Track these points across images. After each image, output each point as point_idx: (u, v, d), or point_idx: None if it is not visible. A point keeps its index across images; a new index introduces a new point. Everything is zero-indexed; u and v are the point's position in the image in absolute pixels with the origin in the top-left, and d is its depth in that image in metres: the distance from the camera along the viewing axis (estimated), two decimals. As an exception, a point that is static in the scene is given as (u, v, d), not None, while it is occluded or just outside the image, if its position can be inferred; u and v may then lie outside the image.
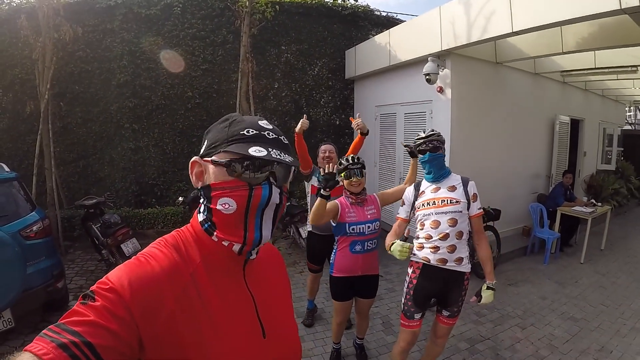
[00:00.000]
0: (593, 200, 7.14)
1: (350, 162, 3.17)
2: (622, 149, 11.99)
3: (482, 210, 2.89)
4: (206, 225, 0.97)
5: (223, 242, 0.95)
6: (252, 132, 0.94)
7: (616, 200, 9.31)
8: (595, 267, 6.20)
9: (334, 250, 3.31)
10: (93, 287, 0.81)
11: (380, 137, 7.89)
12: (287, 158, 0.93)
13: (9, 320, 3.58)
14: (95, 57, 7.60)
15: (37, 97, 6.51)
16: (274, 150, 0.91)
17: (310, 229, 4.15)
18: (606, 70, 6.75)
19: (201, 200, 0.99)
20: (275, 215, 0.99)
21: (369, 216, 3.16)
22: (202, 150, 0.99)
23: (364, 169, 3.22)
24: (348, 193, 3.22)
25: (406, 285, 2.98)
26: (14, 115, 7.46)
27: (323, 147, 4.15)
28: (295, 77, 8.81)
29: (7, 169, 4.51)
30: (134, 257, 0.92)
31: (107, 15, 7.61)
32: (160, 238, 0.99)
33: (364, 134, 3.92)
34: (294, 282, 5.51)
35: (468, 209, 2.81)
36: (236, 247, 0.95)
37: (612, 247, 7.21)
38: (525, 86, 7.23)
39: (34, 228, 4.00)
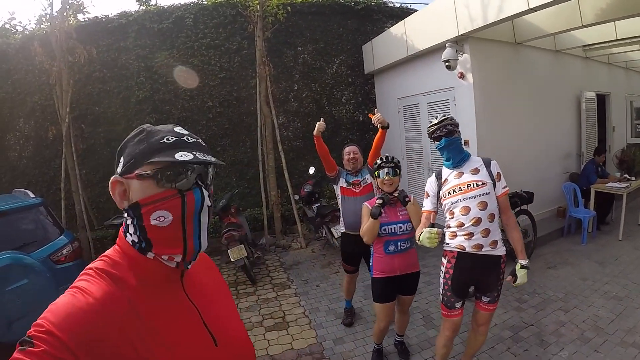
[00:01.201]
0: (626, 175, 6.90)
1: (384, 160, 3.16)
2: (651, 120, 11.57)
3: (507, 188, 2.84)
4: (142, 244, 0.92)
5: (162, 257, 0.93)
6: (172, 139, 0.91)
7: (649, 173, 9.00)
8: (635, 244, 6.04)
9: (372, 253, 3.31)
10: (30, 332, 0.76)
11: (405, 129, 7.82)
12: (212, 158, 0.93)
13: None
14: (112, 77, 7.67)
15: (58, 122, 6.60)
16: (198, 153, 0.90)
17: (343, 230, 4.13)
18: (629, 41, 6.55)
19: (128, 221, 0.94)
20: (208, 220, 0.97)
21: (400, 216, 3.14)
22: (119, 169, 0.94)
23: (399, 168, 3.20)
24: (381, 192, 3.19)
25: (442, 275, 2.94)
26: (38, 142, 7.61)
27: (347, 148, 4.13)
28: (314, 77, 8.77)
29: (32, 195, 4.57)
30: (65, 292, 0.86)
31: (120, 33, 7.70)
32: (87, 267, 0.92)
33: (385, 127, 3.90)
34: (330, 282, 5.54)
35: (494, 189, 2.77)
36: (176, 259, 0.94)
37: (649, 222, 6.98)
38: (547, 64, 7.06)
39: (64, 252, 4.06)
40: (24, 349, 0.73)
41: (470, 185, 2.75)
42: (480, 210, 2.70)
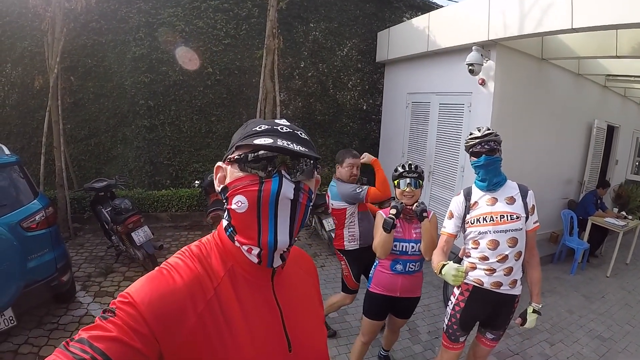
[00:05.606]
0: (624, 213, 6.90)
1: (406, 169, 2.79)
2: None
3: (538, 224, 2.55)
4: (229, 230, 0.93)
5: (243, 247, 0.90)
6: (264, 127, 0.91)
7: (642, 213, 8.99)
8: (621, 283, 6.03)
9: (374, 265, 2.99)
10: (113, 302, 0.80)
11: (411, 126, 7.64)
12: (296, 147, 0.86)
13: (11, 318, 3.25)
14: (109, 29, 7.14)
15: (46, 71, 6.13)
16: (283, 141, 0.86)
17: (356, 246, 3.52)
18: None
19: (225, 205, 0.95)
20: (293, 216, 0.89)
21: (415, 235, 2.80)
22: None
23: (422, 179, 2.83)
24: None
25: (451, 307, 2.67)
26: (23, 91, 7.08)
27: (353, 160, 3.43)
28: (322, 57, 8.49)
29: (7, 151, 3.98)
30: (156, 268, 0.89)
31: (123, -18, 7.14)
32: (185, 247, 0.96)
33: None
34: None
35: (525, 223, 2.48)
36: (254, 252, 0.89)
37: (636, 262, 6.98)
38: (566, 86, 6.86)
39: (36, 218, 3.63)
40: (106, 317, 0.77)
41: (503, 216, 2.45)
42: (509, 246, 2.42)
